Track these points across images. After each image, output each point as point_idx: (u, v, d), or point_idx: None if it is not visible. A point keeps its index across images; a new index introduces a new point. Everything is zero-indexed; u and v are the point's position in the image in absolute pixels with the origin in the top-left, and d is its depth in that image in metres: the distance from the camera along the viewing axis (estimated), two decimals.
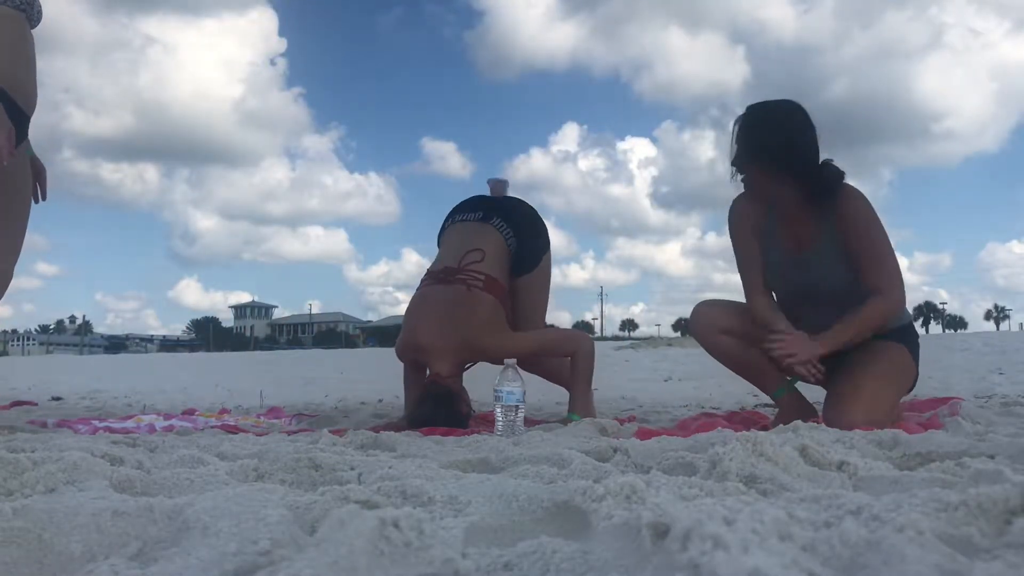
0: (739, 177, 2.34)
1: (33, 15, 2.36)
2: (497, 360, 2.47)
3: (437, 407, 2.45)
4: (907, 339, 2.35)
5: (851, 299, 2.26)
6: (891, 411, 2.23)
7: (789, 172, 2.25)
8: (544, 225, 2.98)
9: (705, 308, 2.47)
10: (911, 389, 2.42)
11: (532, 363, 2.81)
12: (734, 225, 2.46)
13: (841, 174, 2.26)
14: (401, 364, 2.88)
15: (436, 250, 2.89)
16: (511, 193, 3.11)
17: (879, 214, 2.29)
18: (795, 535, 0.64)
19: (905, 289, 2.26)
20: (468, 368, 2.71)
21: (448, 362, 2.57)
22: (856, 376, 2.22)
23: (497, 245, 2.74)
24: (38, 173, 2.40)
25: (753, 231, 2.42)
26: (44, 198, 2.43)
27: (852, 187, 2.28)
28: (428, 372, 2.65)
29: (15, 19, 2.30)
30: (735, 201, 2.47)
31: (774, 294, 2.45)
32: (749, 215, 2.42)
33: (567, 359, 2.76)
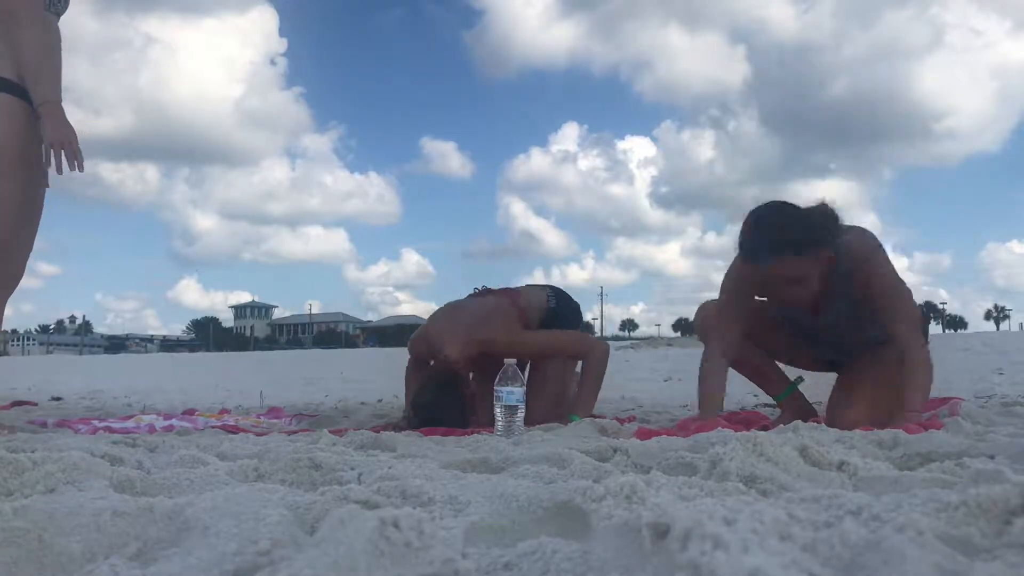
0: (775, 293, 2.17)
1: (61, 8, 2.37)
2: (506, 355, 2.49)
3: (440, 391, 2.46)
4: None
5: (851, 338, 2.25)
6: (895, 412, 2.23)
7: (818, 252, 2.08)
8: (581, 316, 3.10)
9: (712, 308, 2.46)
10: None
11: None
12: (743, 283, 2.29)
13: (837, 222, 2.14)
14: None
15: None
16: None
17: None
18: (795, 535, 0.64)
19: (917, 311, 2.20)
20: (476, 365, 2.73)
21: (456, 349, 2.59)
22: (860, 378, 2.22)
23: (538, 298, 2.89)
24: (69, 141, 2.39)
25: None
26: (81, 169, 2.42)
27: (859, 239, 2.16)
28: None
29: (53, 23, 2.31)
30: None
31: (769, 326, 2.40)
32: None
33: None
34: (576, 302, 3.06)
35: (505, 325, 2.69)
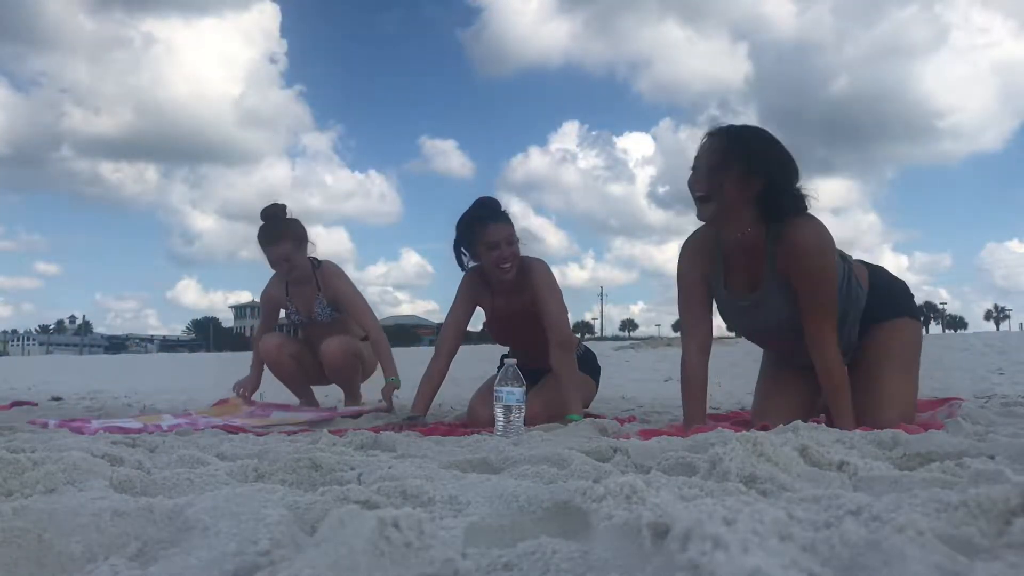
0: (699, 196, 2.14)
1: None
2: (540, 289, 2.78)
3: None
4: (910, 307, 2.37)
5: (788, 324, 2.18)
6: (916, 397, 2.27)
7: (766, 179, 2.08)
8: None
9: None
10: None
11: None
12: (685, 273, 2.33)
13: (803, 204, 2.13)
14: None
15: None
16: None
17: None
18: (795, 535, 0.64)
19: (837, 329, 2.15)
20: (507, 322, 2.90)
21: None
22: (881, 374, 2.22)
23: None
24: None
25: (702, 278, 2.31)
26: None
27: (807, 221, 2.13)
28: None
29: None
30: (687, 241, 2.37)
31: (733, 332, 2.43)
32: (699, 262, 2.31)
33: None
34: None
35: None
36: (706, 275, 2.30)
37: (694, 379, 2.27)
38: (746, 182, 2.09)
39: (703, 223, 2.25)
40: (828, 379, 2.12)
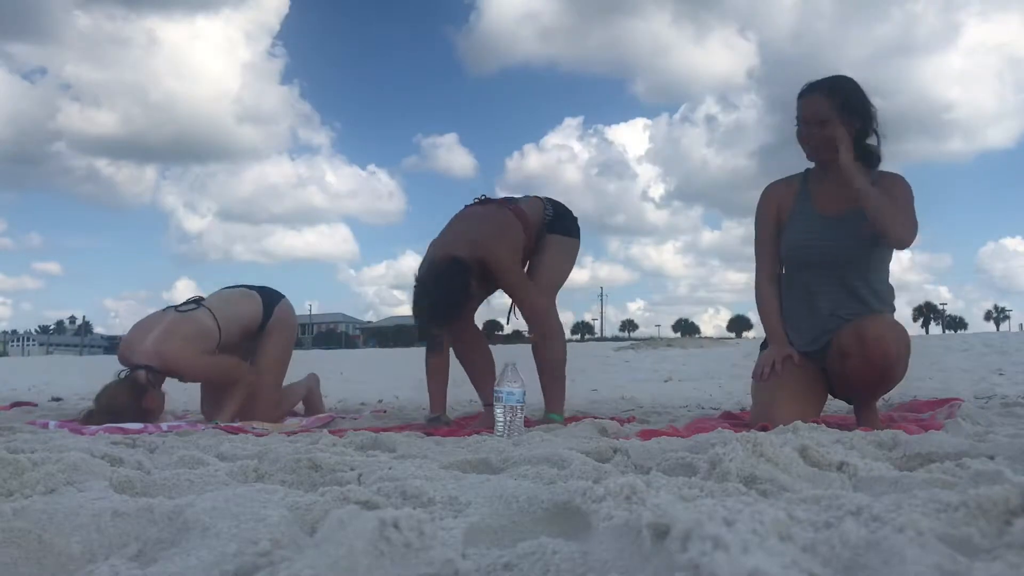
0: (802, 131, 2.43)
1: None
2: (497, 276, 2.66)
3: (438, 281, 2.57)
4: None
5: (864, 272, 2.42)
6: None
7: (859, 121, 2.40)
8: (578, 226, 3.10)
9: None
10: None
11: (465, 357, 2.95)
12: (762, 207, 2.62)
13: (877, 158, 2.48)
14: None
15: None
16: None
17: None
18: (795, 536, 0.64)
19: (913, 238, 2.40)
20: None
21: (462, 250, 2.65)
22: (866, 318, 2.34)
23: (537, 209, 2.93)
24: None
25: (779, 212, 2.57)
26: None
27: (896, 174, 2.48)
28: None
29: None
30: (768, 186, 2.66)
31: (791, 263, 2.56)
32: (776, 200, 2.59)
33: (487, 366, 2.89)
34: (574, 215, 3.06)
35: (508, 247, 2.74)
36: (783, 206, 2.57)
37: (769, 303, 2.58)
38: (847, 125, 2.40)
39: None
40: (887, 201, 2.34)
